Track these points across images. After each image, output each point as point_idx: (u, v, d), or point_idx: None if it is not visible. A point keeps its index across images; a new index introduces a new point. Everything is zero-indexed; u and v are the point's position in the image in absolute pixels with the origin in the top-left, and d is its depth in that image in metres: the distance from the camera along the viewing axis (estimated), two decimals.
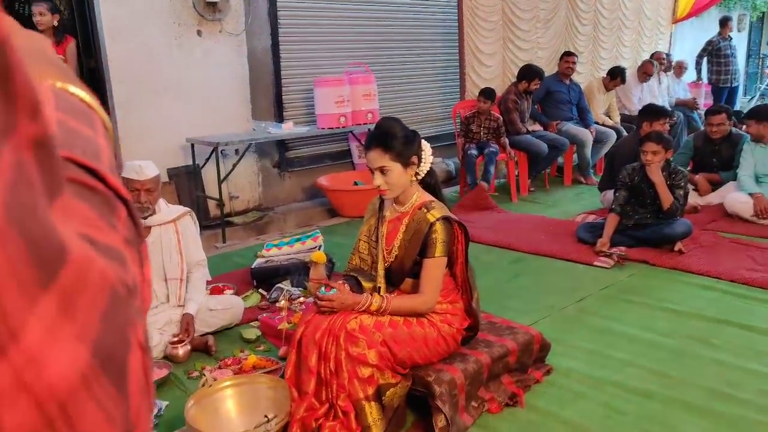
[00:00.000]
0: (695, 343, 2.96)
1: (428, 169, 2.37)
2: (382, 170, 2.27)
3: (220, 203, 5.04)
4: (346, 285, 2.31)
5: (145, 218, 3.01)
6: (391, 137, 2.26)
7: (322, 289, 2.25)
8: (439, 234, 2.25)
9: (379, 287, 2.36)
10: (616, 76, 7.12)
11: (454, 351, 2.39)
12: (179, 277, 3.08)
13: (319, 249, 3.85)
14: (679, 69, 8.86)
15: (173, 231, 3.10)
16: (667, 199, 4.16)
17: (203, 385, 2.28)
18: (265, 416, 2.02)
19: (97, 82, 4.86)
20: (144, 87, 4.88)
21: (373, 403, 2.12)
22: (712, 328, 3.10)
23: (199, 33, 5.10)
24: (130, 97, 4.81)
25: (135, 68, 4.79)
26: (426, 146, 2.36)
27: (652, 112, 4.90)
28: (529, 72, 6.35)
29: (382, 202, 2.48)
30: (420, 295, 2.28)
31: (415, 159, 2.31)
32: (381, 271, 2.36)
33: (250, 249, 4.76)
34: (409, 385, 2.25)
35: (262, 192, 5.80)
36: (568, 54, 6.88)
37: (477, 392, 2.40)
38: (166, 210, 3.11)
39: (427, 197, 2.36)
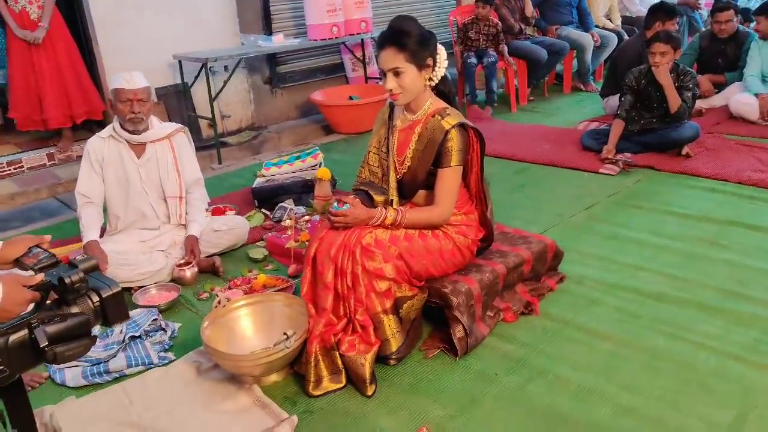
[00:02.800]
0: (705, 245, 2.95)
1: (443, 74, 2.23)
2: (396, 72, 2.13)
3: (213, 123, 4.88)
4: (357, 199, 2.24)
5: (139, 133, 2.89)
6: (406, 35, 2.10)
7: (335, 204, 2.18)
8: (455, 142, 2.16)
9: (392, 200, 2.28)
10: None
11: (469, 262, 2.36)
12: (178, 195, 3.00)
13: (320, 166, 3.75)
14: None
15: (168, 148, 2.99)
16: (675, 101, 4.04)
17: (217, 306, 2.25)
18: (284, 333, 2.00)
19: None
20: (124, 1, 4.59)
21: (391, 316, 2.10)
22: (721, 230, 3.09)
23: None
24: (109, 12, 4.55)
25: None
26: (441, 50, 2.21)
27: (665, 10, 4.65)
28: None
29: (392, 111, 2.36)
30: (435, 206, 2.21)
31: (430, 61, 2.17)
32: (393, 183, 2.28)
33: (247, 169, 4.66)
34: (425, 297, 2.23)
35: (254, 110, 5.62)
36: None
37: (492, 302, 2.39)
38: (159, 127, 2.99)
39: (441, 104, 2.25)
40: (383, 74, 2.17)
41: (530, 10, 6.25)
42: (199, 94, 5.05)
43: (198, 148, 4.99)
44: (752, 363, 2.07)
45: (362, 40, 5.80)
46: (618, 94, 4.53)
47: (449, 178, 2.19)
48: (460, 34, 5.89)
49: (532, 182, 3.96)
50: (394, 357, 2.14)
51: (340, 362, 2.07)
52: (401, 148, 2.28)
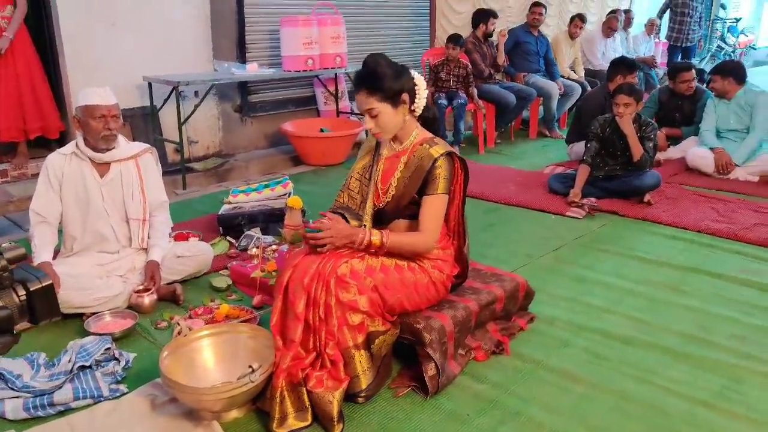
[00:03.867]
0: (667, 290, 2.99)
1: (424, 103, 2.22)
2: (372, 113, 2.13)
3: (180, 147, 4.77)
4: (338, 216, 2.17)
5: (105, 152, 2.78)
6: (376, 77, 2.10)
7: (307, 228, 2.12)
8: (443, 170, 2.13)
9: (365, 226, 2.24)
10: (583, 20, 7.06)
11: (443, 298, 2.31)
12: (141, 218, 2.88)
13: (290, 195, 3.68)
14: (651, 27, 8.91)
15: (134, 168, 2.88)
16: (638, 150, 4.16)
17: (178, 335, 2.14)
18: (250, 366, 1.90)
19: (43, 10, 4.46)
20: (95, 18, 4.51)
21: (362, 351, 2.03)
22: (683, 276, 3.14)
23: None
24: (79, 28, 4.44)
25: None
26: (419, 80, 2.21)
27: (625, 64, 4.86)
28: (481, 15, 6.29)
29: (378, 142, 2.34)
30: (420, 233, 2.15)
31: (405, 97, 2.16)
32: (369, 210, 2.24)
33: (212, 196, 4.56)
34: (397, 333, 2.17)
35: (222, 137, 5.55)
36: (536, 4, 6.75)
37: (464, 340, 2.34)
38: (126, 146, 2.89)
39: (428, 134, 2.24)
40: (362, 114, 2.17)
41: (502, 57, 6.42)
42: (167, 117, 4.95)
43: (163, 173, 4.88)
44: (721, 410, 2.07)
45: (336, 74, 5.82)
46: (582, 141, 4.65)
47: (435, 206, 2.15)
48: (431, 75, 5.98)
49: (501, 222, 3.98)
50: (363, 395, 2.05)
51: (306, 399, 1.97)
52: (386, 176, 2.25)
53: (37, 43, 4.41)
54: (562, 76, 6.94)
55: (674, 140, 5.51)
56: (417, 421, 2.01)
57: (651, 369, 2.31)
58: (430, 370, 2.12)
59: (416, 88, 2.20)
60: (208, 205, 4.27)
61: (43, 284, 1.12)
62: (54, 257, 2.76)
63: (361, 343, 2.03)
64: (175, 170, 4.86)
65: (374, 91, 2.11)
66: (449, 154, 2.18)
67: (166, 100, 4.83)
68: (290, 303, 2.02)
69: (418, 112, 2.24)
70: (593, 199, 4.19)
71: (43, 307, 1.13)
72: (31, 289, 1.11)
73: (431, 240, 2.17)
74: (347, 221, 2.23)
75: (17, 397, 2.06)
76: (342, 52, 5.56)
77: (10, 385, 2.11)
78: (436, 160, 2.14)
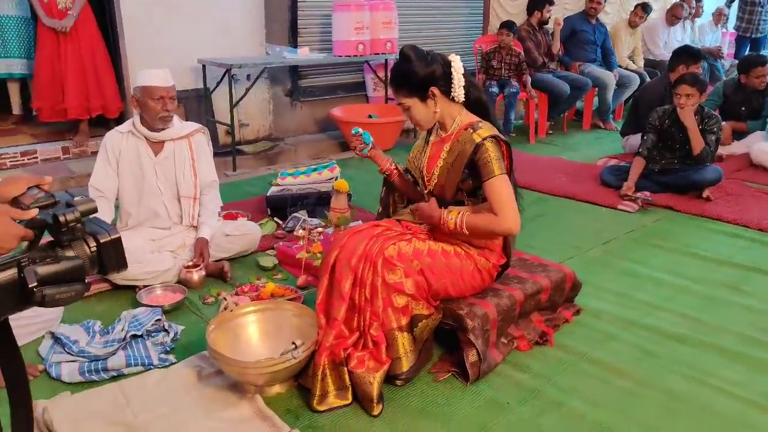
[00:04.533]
0: (726, 289, 2.87)
1: (462, 86, 2.15)
2: (403, 108, 2.17)
3: (231, 129, 4.86)
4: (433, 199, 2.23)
5: (160, 131, 2.86)
6: (400, 75, 2.15)
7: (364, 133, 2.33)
8: (490, 152, 2.07)
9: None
10: (647, 10, 6.80)
11: (488, 286, 2.29)
12: (192, 195, 2.95)
13: (337, 179, 3.70)
14: (719, 16, 8.54)
15: (187, 147, 2.95)
16: (698, 144, 4.00)
17: (224, 310, 2.18)
18: (293, 343, 1.93)
19: None
20: (155, 2, 4.61)
21: (405, 333, 2.03)
22: (743, 276, 3.01)
23: None
24: (139, 10, 4.56)
25: None
26: (456, 65, 2.13)
27: (690, 54, 4.66)
28: (537, 1, 6.09)
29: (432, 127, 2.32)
30: (495, 216, 2.07)
31: (435, 90, 2.12)
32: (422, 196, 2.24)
33: (261, 178, 4.63)
34: (440, 318, 2.16)
35: (273, 121, 5.61)
36: None
37: (507, 329, 2.31)
38: (179, 125, 2.96)
39: (473, 118, 2.20)
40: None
41: (557, 46, 6.27)
42: (219, 100, 5.04)
43: (214, 154, 4.98)
44: None
45: (386, 60, 5.80)
46: (638, 134, 4.51)
47: (498, 187, 2.06)
48: (483, 63, 5.89)
49: (549, 213, 3.90)
50: (403, 377, 2.05)
51: (347, 378, 1.99)
52: (431, 162, 2.24)
53: (101, 24, 4.56)
54: (620, 66, 6.73)
55: (738, 135, 5.28)
56: (456, 407, 2.00)
57: (704, 369, 2.23)
58: (471, 357, 2.10)
59: (453, 73, 2.14)
60: (258, 186, 4.34)
61: (112, 237, 1.15)
62: None
63: (404, 326, 2.02)
64: (226, 152, 4.94)
65: (400, 88, 2.15)
66: (494, 137, 2.13)
67: (218, 83, 4.92)
68: (336, 282, 2.04)
69: (459, 97, 2.17)
70: (647, 193, 4.06)
71: (111, 259, 1.16)
72: (101, 241, 1.14)
73: (509, 221, 2.05)
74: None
75: (73, 361, 2.15)
76: (393, 38, 5.53)
77: (67, 350, 2.21)
78: (478, 145, 2.09)
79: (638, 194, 4.03)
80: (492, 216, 2.09)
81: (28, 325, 2.33)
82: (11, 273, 1.07)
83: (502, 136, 2.16)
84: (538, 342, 2.36)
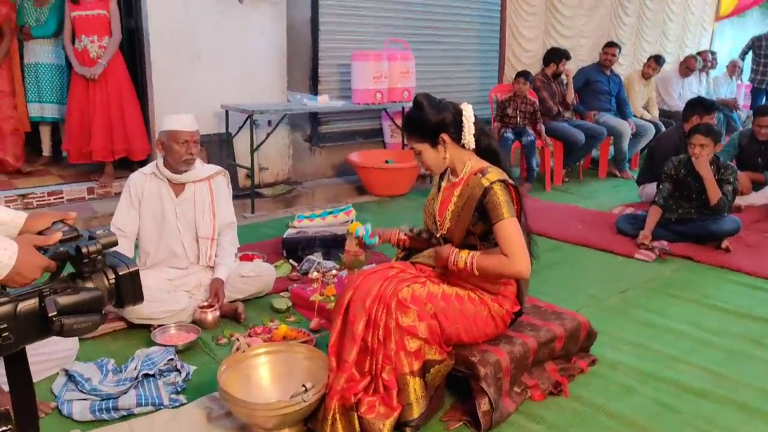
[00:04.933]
0: (747, 343, 2.81)
1: (471, 134, 2.19)
2: (415, 152, 2.24)
3: (251, 173, 4.95)
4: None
5: (181, 173, 2.93)
6: (412, 121, 2.23)
7: (366, 230, 2.36)
8: (499, 195, 2.10)
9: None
10: (660, 62, 6.89)
11: (501, 333, 2.27)
12: (210, 236, 2.99)
13: (352, 222, 3.73)
14: (733, 68, 8.64)
15: (207, 189, 3.01)
16: (715, 194, 3.99)
17: (237, 350, 2.19)
18: (303, 386, 1.92)
19: (136, 42, 4.78)
20: (182, 51, 4.79)
21: (417, 378, 2.01)
22: (763, 329, 2.95)
23: (239, 0, 4.98)
24: (167, 60, 4.73)
25: (174, 31, 4.71)
26: (467, 112, 2.18)
27: (704, 105, 4.70)
28: (554, 54, 6.21)
29: (444, 171, 2.36)
30: (506, 257, 2.08)
31: (445, 137, 2.16)
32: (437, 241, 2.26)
33: (278, 221, 4.68)
34: (452, 364, 2.14)
35: (292, 165, 5.70)
36: (610, 45, 6.65)
37: (521, 377, 2.28)
38: (201, 168, 3.03)
39: (483, 163, 2.23)
40: None
41: (572, 96, 6.35)
42: (240, 144, 5.16)
43: (233, 197, 5.06)
44: None
45: (403, 108, 5.90)
46: (654, 182, 4.50)
47: (508, 230, 2.08)
48: (498, 111, 5.98)
49: (564, 261, 3.88)
50: (413, 424, 2.03)
51: (357, 424, 1.97)
52: (442, 208, 2.26)
53: (131, 71, 4.73)
54: (635, 116, 6.78)
55: (757, 186, 5.24)
56: None
57: (725, 425, 2.17)
58: (483, 405, 2.07)
59: (463, 120, 2.18)
60: (275, 229, 4.38)
61: (131, 270, 1.19)
62: None
63: (417, 371, 2.01)
64: (245, 195, 5.02)
65: (412, 133, 2.23)
66: (502, 181, 2.15)
67: (240, 128, 5.04)
68: (350, 323, 2.04)
69: (469, 144, 2.20)
70: (665, 242, 4.02)
71: (129, 291, 1.19)
72: (120, 273, 1.18)
73: (520, 263, 2.06)
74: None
75: (85, 399, 2.16)
76: (410, 87, 5.66)
77: (79, 388, 2.22)
78: (486, 189, 2.11)
79: (655, 243, 3.99)
80: (503, 257, 2.09)
81: (45, 361, 2.34)
82: (33, 302, 1.11)
83: (510, 180, 2.19)
84: (552, 392, 2.32)
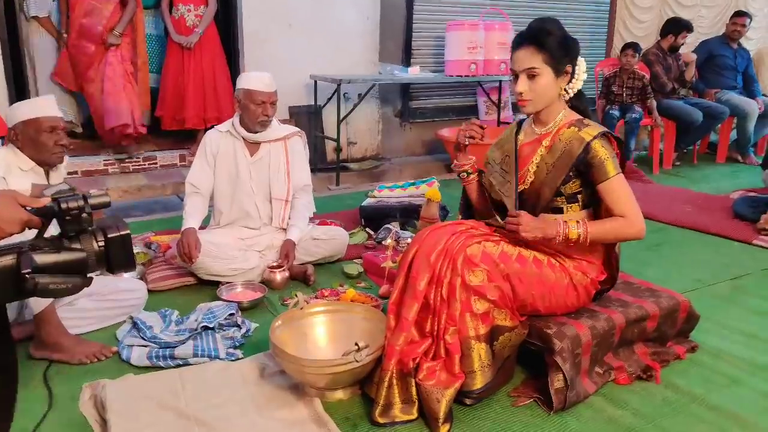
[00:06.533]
0: None
1: (579, 87, 1.98)
2: (531, 74, 1.90)
3: (337, 144, 4.88)
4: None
5: (256, 133, 2.88)
6: (548, 35, 1.89)
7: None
8: (603, 150, 1.87)
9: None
10: None
11: (583, 305, 2.02)
12: (285, 198, 2.93)
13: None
14: None
15: (282, 150, 2.94)
16: None
17: (294, 306, 2.09)
18: (356, 344, 1.79)
19: (230, 11, 4.85)
20: (274, 21, 4.80)
21: (483, 344, 1.81)
22: None
23: None
24: (259, 29, 4.76)
25: (267, 0, 4.72)
26: (581, 61, 1.97)
27: None
28: (674, 24, 5.63)
29: (519, 128, 2.12)
30: (621, 218, 1.88)
31: (569, 68, 1.93)
32: (512, 201, 2.01)
33: (362, 193, 4.57)
34: (525, 334, 1.92)
35: (381, 141, 5.60)
36: (738, 14, 5.96)
37: (604, 357, 2.02)
38: (278, 128, 2.96)
39: (577, 116, 1.98)
40: (515, 76, 1.95)
41: (692, 73, 5.75)
42: (329, 116, 5.11)
43: (320, 170, 5.06)
44: None
45: (500, 82, 5.63)
46: None
47: (619, 188, 1.88)
48: (603, 88, 5.53)
49: (669, 243, 3.49)
50: (475, 395, 1.83)
51: (414, 392, 1.80)
52: (523, 163, 2.02)
53: (224, 40, 4.81)
54: (765, 95, 6.04)
55: None
56: None
57: None
58: (557, 382, 1.84)
59: (577, 67, 1.97)
60: (357, 200, 4.27)
61: (121, 233, 1.09)
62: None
63: (483, 335, 1.81)
64: (332, 168, 4.98)
65: (542, 49, 1.89)
66: (604, 135, 1.90)
67: (329, 99, 4.99)
68: (412, 279, 1.86)
69: (570, 93, 1.99)
70: None
71: (118, 255, 1.10)
72: (109, 235, 1.08)
73: (639, 221, 1.89)
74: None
75: (145, 346, 2.15)
76: (508, 59, 5.34)
77: (141, 335, 2.22)
78: (589, 144, 1.87)
79: None
80: (619, 219, 1.88)
81: (113, 308, 2.39)
82: (9, 259, 1.03)
83: (612, 133, 1.93)
84: (641, 377, 2.04)
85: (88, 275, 1.09)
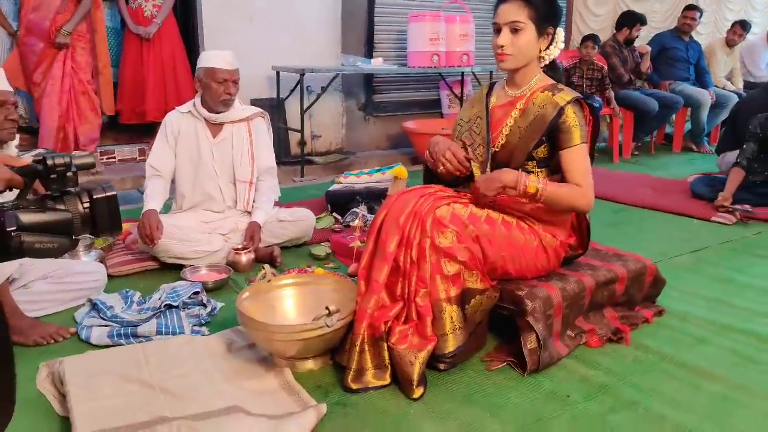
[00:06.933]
0: None
1: (556, 55, 1.98)
2: (514, 27, 1.88)
3: (301, 136, 4.83)
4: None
5: (219, 113, 2.81)
6: None
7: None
8: (574, 117, 1.88)
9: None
10: (746, 28, 6.30)
11: (553, 269, 2.02)
12: (249, 180, 2.86)
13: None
14: None
15: (246, 131, 2.88)
16: None
17: (261, 279, 2.04)
18: (327, 308, 1.74)
19: (188, 3, 4.76)
20: (234, 12, 4.72)
21: (454, 306, 1.78)
22: None
23: None
24: (219, 21, 4.68)
25: None
26: (560, 31, 1.98)
27: None
28: (628, 18, 5.78)
29: (490, 90, 2.12)
30: (578, 187, 1.89)
31: (551, 31, 1.93)
32: (481, 159, 2.00)
33: (327, 183, 4.53)
34: (496, 297, 1.90)
35: (345, 135, 5.56)
36: (690, 8, 6.16)
37: (575, 320, 2.02)
38: (240, 108, 2.90)
39: (551, 81, 1.99)
40: (497, 30, 1.93)
41: (647, 65, 5.90)
42: (292, 108, 5.05)
43: (285, 163, 4.99)
44: None
45: (462, 74, 5.67)
46: (736, 150, 4.07)
47: (579, 157, 1.90)
48: (563, 79, 5.61)
49: (631, 221, 3.55)
50: (448, 359, 1.81)
51: (387, 356, 1.77)
52: (496, 126, 2.01)
53: (183, 33, 4.71)
54: (716, 87, 6.24)
55: None
56: (509, 397, 1.73)
57: None
58: (530, 343, 1.83)
59: (557, 36, 1.97)
60: (322, 190, 4.22)
61: (107, 194, 1.04)
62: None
63: (454, 297, 1.78)
64: (297, 161, 4.92)
65: (530, 4, 1.87)
66: (577, 101, 1.92)
67: (292, 91, 4.93)
68: (382, 242, 1.83)
69: (547, 59, 1.99)
70: (747, 206, 3.61)
71: (104, 217, 1.04)
72: (95, 196, 1.03)
73: (590, 195, 1.90)
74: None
75: (105, 326, 2.06)
76: (469, 51, 5.40)
77: (101, 315, 2.13)
78: (562, 108, 1.88)
79: (737, 206, 3.59)
80: (575, 187, 1.89)
81: (71, 291, 2.29)
82: None
83: (586, 100, 1.95)
84: (612, 339, 2.05)
85: (74, 237, 1.04)
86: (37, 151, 1.15)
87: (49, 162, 1.02)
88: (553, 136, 1.92)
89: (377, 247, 1.85)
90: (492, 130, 2.02)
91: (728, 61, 6.55)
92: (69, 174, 1.04)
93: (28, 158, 1.08)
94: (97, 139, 4.30)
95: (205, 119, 2.85)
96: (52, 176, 1.03)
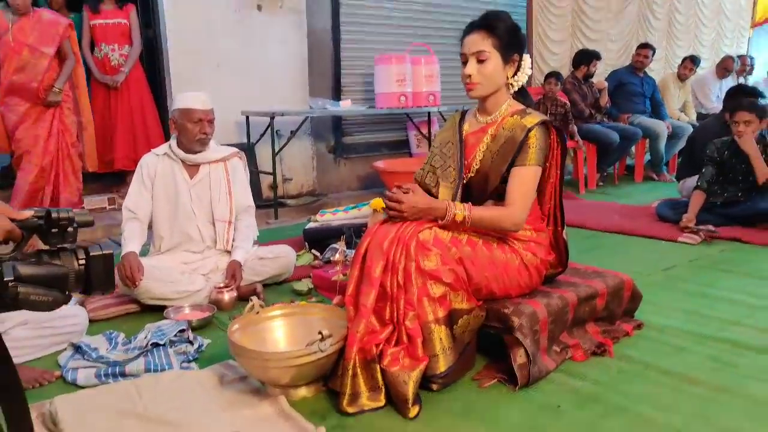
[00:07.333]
0: None
1: (524, 81, 2.08)
2: (480, 58, 1.97)
3: (274, 179, 4.86)
4: (417, 186, 2.04)
5: (195, 153, 2.84)
6: (500, 21, 1.98)
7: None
8: (536, 139, 1.96)
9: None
10: (696, 62, 6.66)
11: (536, 286, 2.08)
12: (228, 220, 2.88)
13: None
14: None
15: (222, 171, 2.91)
16: (763, 171, 3.75)
17: (250, 311, 2.04)
18: (320, 332, 1.76)
19: (155, 52, 4.83)
20: (201, 60, 4.80)
21: (443, 327, 1.82)
22: None
23: (259, 7, 5.02)
24: (186, 68, 4.75)
25: (193, 40, 4.74)
26: (526, 57, 2.07)
27: (745, 92, 4.47)
28: (584, 55, 6.09)
29: (462, 117, 2.21)
30: (506, 207, 1.96)
31: (516, 58, 2.03)
32: (452, 188, 2.07)
33: (303, 223, 4.55)
34: (483, 316, 1.95)
35: (316, 177, 5.63)
36: (643, 46, 6.47)
37: (560, 336, 2.07)
38: (216, 149, 2.94)
39: (520, 106, 2.09)
40: (464, 62, 2.02)
41: (605, 99, 6.16)
42: (263, 152, 5.10)
43: (258, 206, 4.98)
44: None
45: (428, 114, 5.83)
46: (695, 176, 4.27)
47: (525, 177, 1.96)
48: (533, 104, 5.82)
49: (601, 247, 3.66)
50: (440, 379, 1.83)
51: (380, 378, 1.78)
52: (469, 152, 2.09)
53: (151, 81, 4.76)
54: (671, 118, 6.55)
55: None
56: (504, 410, 1.75)
57: None
58: (519, 358, 1.87)
59: (524, 62, 2.06)
60: (298, 230, 4.24)
61: (103, 252, 1.06)
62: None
63: (441, 318, 1.82)
64: (269, 204, 4.94)
65: (493, 34, 1.97)
66: (544, 123, 2.01)
67: (262, 135, 5.00)
68: (367, 268, 1.86)
69: (516, 86, 2.09)
70: (710, 226, 3.76)
71: (99, 275, 1.06)
72: (91, 254, 1.05)
73: (518, 216, 1.96)
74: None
75: (91, 367, 2.03)
76: (435, 91, 5.57)
77: (86, 357, 2.09)
78: (529, 129, 1.97)
79: (701, 227, 3.74)
80: (501, 209, 1.97)
81: (51, 336, 2.24)
82: None
83: (552, 123, 2.04)
84: (596, 352, 2.10)
85: (67, 293, 1.06)
86: (33, 209, 1.16)
87: (54, 215, 1.04)
88: (516, 154, 1.99)
89: (363, 273, 1.89)
90: (466, 156, 2.10)
91: (681, 94, 6.89)
92: (70, 229, 1.06)
93: (28, 212, 1.10)
94: (77, 204, 4.24)
95: (182, 161, 2.88)
96: (54, 230, 1.05)
